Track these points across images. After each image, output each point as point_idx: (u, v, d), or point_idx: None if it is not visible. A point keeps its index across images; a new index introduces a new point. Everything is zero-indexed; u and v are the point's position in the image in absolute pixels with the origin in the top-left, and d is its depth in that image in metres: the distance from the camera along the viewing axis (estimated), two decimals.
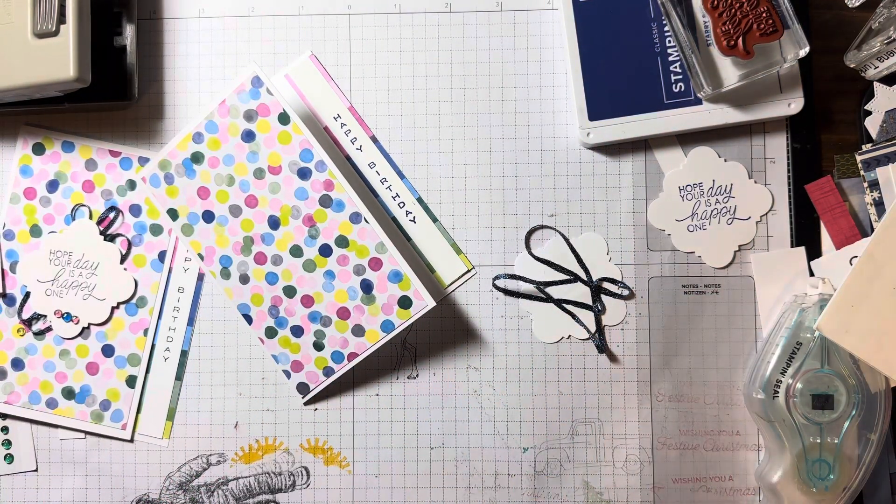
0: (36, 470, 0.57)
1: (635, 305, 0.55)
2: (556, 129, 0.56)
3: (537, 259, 0.55)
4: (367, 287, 0.53)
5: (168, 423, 0.56)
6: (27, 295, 0.56)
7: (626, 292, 0.55)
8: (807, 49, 0.51)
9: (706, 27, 0.53)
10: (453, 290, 0.56)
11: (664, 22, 0.54)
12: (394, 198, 0.56)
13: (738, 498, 0.55)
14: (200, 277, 0.56)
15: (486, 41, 0.56)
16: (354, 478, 0.56)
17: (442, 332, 0.56)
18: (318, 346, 0.55)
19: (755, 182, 0.55)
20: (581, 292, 0.55)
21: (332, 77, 0.56)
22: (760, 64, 0.52)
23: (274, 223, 0.54)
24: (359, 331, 0.54)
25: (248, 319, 0.55)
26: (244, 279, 0.55)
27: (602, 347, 0.55)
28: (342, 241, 0.53)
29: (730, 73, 0.53)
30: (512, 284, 0.56)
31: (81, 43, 0.50)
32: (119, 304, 0.56)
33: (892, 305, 0.48)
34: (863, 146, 0.54)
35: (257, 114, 0.53)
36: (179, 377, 0.56)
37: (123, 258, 0.56)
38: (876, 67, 0.54)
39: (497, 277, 0.55)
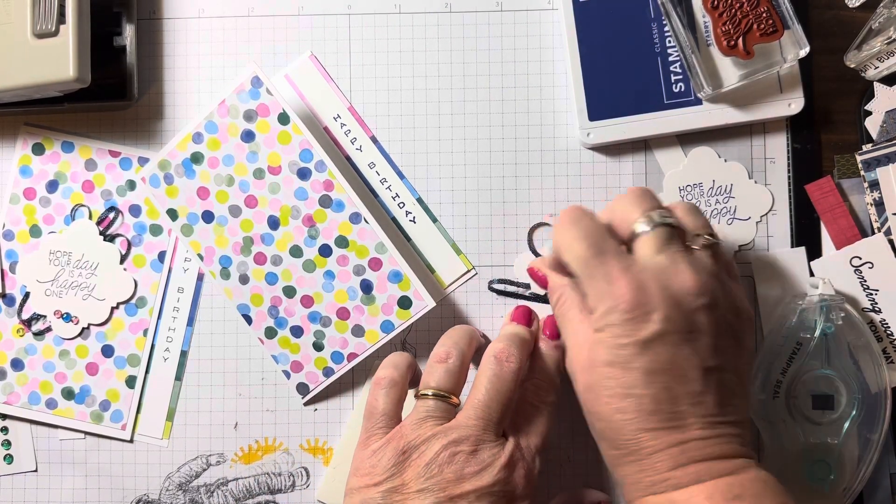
0: (36, 470, 0.57)
1: None
2: (556, 129, 0.56)
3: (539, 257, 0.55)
4: (366, 287, 0.53)
5: (168, 423, 0.56)
6: (27, 295, 0.56)
7: None
8: (807, 49, 0.51)
9: (706, 27, 0.53)
10: (453, 290, 0.56)
11: (664, 22, 0.54)
12: (394, 198, 0.56)
13: None
14: (200, 277, 0.56)
15: (486, 41, 0.56)
16: None
17: (442, 333, 0.56)
18: (318, 347, 0.55)
19: (755, 182, 0.55)
20: None
21: (332, 77, 0.56)
22: (760, 64, 0.52)
23: (274, 223, 0.54)
24: (359, 331, 0.54)
25: (248, 320, 0.55)
26: (244, 279, 0.55)
27: None
28: (342, 242, 0.53)
29: (730, 73, 0.53)
30: (510, 286, 0.56)
31: (81, 43, 0.50)
32: (119, 304, 0.56)
33: None
34: (863, 146, 0.54)
35: (257, 114, 0.53)
36: (179, 377, 0.56)
37: (123, 258, 0.56)
38: (876, 67, 0.54)
39: (492, 282, 0.55)
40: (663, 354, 0.42)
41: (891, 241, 0.53)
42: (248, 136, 0.54)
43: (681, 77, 0.54)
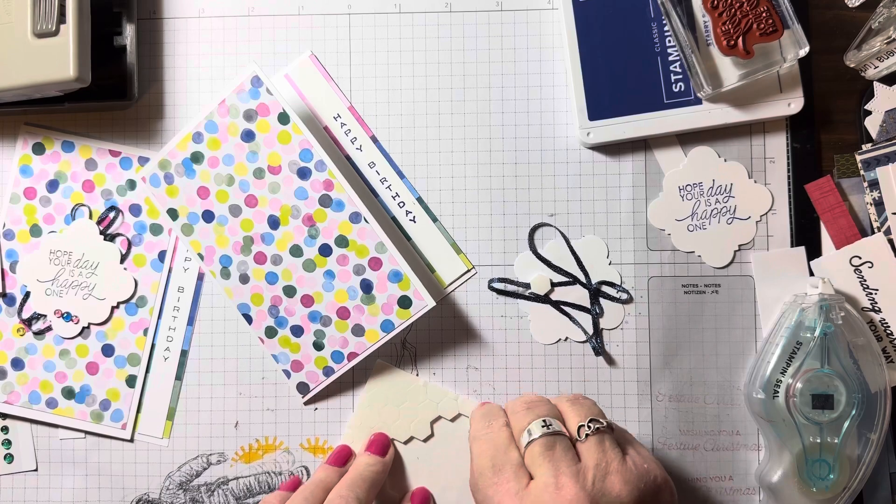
0: (36, 470, 0.57)
1: (635, 305, 0.55)
2: (556, 129, 0.56)
3: (540, 259, 0.55)
4: (366, 287, 0.53)
5: (168, 422, 0.56)
6: (27, 295, 0.56)
7: (624, 296, 0.55)
8: (807, 49, 0.51)
9: (706, 27, 0.53)
10: (453, 290, 0.56)
11: (664, 22, 0.54)
12: (394, 198, 0.56)
13: (738, 498, 0.55)
14: (200, 277, 0.56)
15: (486, 41, 0.56)
16: None
17: (442, 332, 0.56)
18: (318, 346, 0.55)
19: (755, 182, 0.55)
20: (580, 294, 0.55)
21: (332, 77, 0.56)
22: (760, 64, 0.52)
23: (274, 223, 0.54)
24: (359, 330, 0.54)
25: (248, 319, 0.55)
26: (244, 279, 0.55)
27: (599, 350, 0.55)
28: (342, 241, 0.54)
29: (730, 73, 0.53)
30: (509, 286, 0.56)
31: (81, 43, 0.50)
32: (119, 303, 0.56)
33: None
34: (863, 146, 0.54)
35: (257, 113, 0.53)
36: (179, 377, 0.56)
37: (123, 258, 0.56)
38: (876, 67, 0.54)
39: (492, 282, 0.55)
40: None
41: (890, 241, 0.53)
42: (248, 136, 0.54)
43: (681, 77, 0.54)
